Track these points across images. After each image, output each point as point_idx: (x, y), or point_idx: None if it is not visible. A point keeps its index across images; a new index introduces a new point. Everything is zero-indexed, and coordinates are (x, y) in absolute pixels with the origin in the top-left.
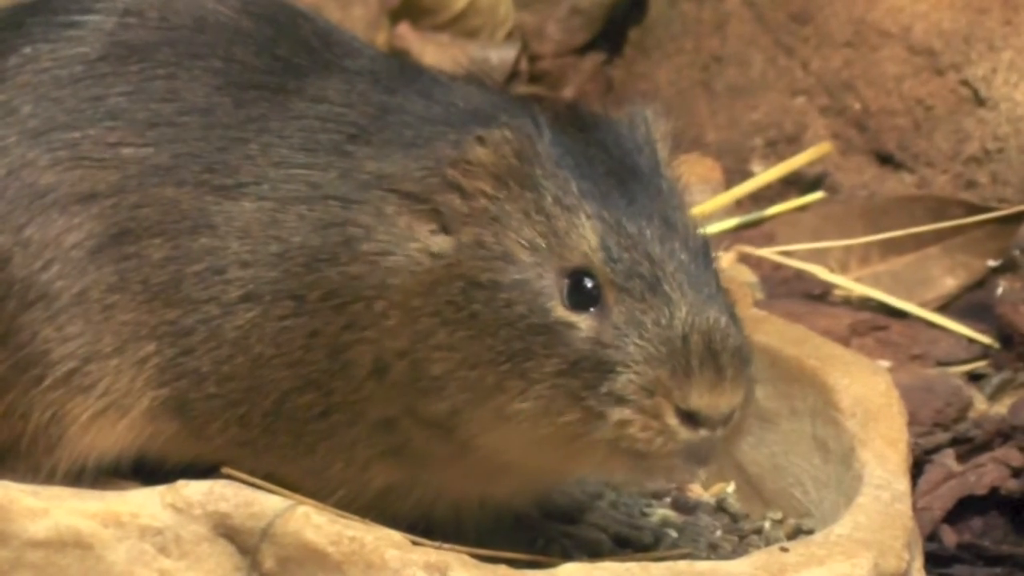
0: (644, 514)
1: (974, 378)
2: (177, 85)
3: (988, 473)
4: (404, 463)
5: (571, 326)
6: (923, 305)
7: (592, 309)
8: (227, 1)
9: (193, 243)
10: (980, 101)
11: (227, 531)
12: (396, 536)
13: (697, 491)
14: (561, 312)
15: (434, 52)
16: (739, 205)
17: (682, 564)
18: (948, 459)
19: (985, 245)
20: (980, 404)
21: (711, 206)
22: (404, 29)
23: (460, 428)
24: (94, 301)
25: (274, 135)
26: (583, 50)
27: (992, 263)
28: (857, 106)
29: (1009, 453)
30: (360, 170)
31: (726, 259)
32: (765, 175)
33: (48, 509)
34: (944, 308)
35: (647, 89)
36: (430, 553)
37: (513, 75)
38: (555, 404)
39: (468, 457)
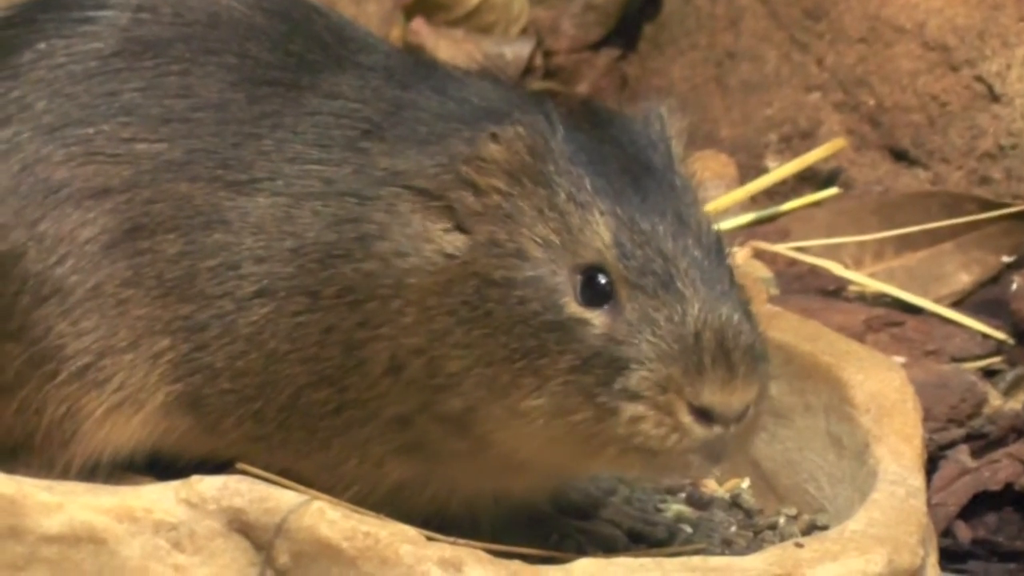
0: (658, 510)
1: (988, 374)
2: (191, 81)
3: (1003, 469)
4: (418, 459)
5: (584, 323)
6: (937, 301)
7: (605, 306)
8: None
9: (207, 239)
10: (994, 97)
11: (241, 526)
12: (411, 531)
13: (711, 487)
14: (574, 308)
15: (448, 48)
16: (753, 201)
17: (696, 560)
18: (962, 455)
19: (999, 241)
20: (994, 400)
21: (725, 202)
22: (418, 25)
23: (475, 425)
24: (108, 296)
25: (288, 131)
26: (597, 46)
27: (1006, 259)
28: (871, 102)
29: (1023, 449)
30: (374, 166)
31: (740, 255)
32: (779, 171)
33: (62, 504)
34: (958, 304)
35: (661, 85)
36: (445, 549)
37: (527, 71)
38: (568, 401)
39: (483, 454)
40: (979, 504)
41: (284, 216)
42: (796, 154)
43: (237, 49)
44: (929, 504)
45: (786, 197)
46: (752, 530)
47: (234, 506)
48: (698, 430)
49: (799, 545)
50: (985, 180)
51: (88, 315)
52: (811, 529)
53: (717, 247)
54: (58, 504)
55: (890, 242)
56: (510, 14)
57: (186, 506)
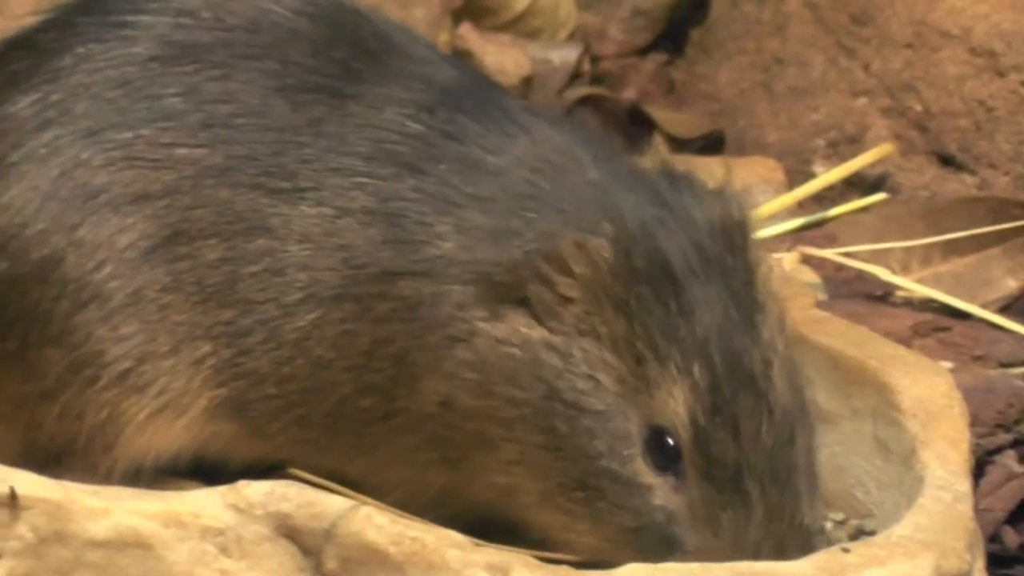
0: None
1: None
2: (231, 86)
3: None
4: (462, 471)
5: (648, 488)
6: (984, 306)
7: (671, 475)
8: (284, 1)
9: (249, 244)
10: None
11: (289, 531)
12: (457, 536)
13: None
14: (640, 467)
15: (495, 52)
16: (801, 206)
17: (743, 564)
18: (1010, 460)
19: None
20: None
21: (773, 207)
22: (466, 30)
23: (515, 503)
24: (148, 301)
25: (332, 140)
26: (645, 51)
27: None
28: (918, 107)
29: None
30: (438, 196)
31: (788, 260)
32: (827, 176)
33: (109, 509)
34: (1006, 309)
35: (708, 90)
36: (492, 554)
37: (574, 76)
38: (617, 549)
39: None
40: None
41: (331, 226)
42: (843, 159)
43: (279, 55)
44: (976, 509)
45: (833, 202)
46: None
47: (281, 511)
48: None
49: (846, 550)
50: None
51: (128, 321)
52: (858, 534)
53: (787, 418)
54: (105, 509)
55: (937, 247)
56: (557, 19)
57: (233, 511)
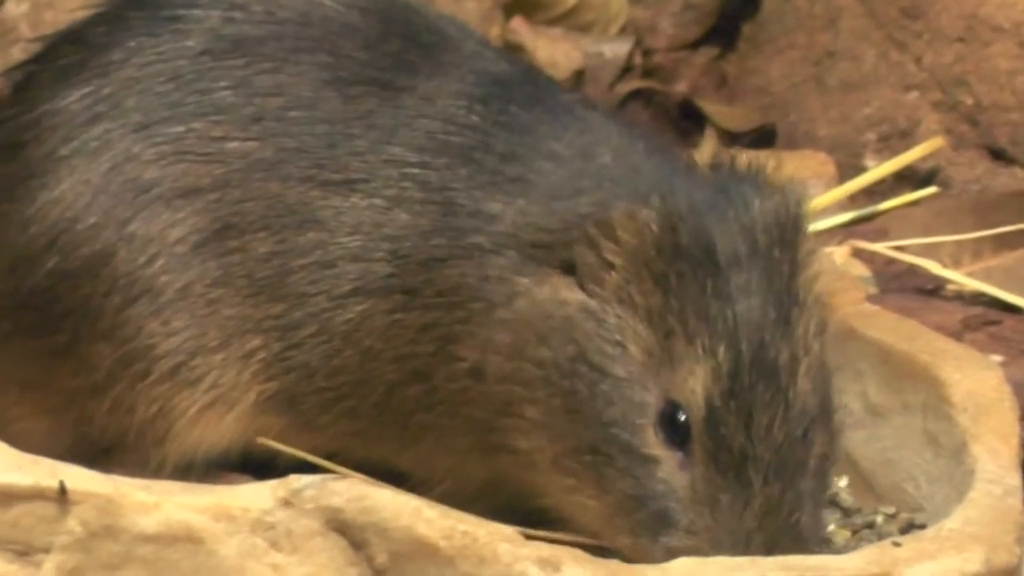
0: None
1: None
2: (282, 79)
3: None
4: (504, 461)
5: (655, 461)
6: None
7: (680, 452)
8: None
9: (299, 238)
10: None
11: (339, 525)
12: (508, 530)
13: None
14: (650, 438)
15: (547, 46)
16: (852, 200)
17: (793, 559)
18: None
19: None
20: None
21: (824, 201)
22: (517, 23)
23: (536, 465)
24: (198, 296)
25: (384, 132)
26: (696, 45)
27: None
28: (969, 101)
29: None
30: (491, 185)
31: (839, 254)
32: (878, 170)
33: (159, 503)
34: None
35: (760, 84)
36: (543, 548)
37: (626, 70)
38: (617, 520)
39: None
40: None
41: (382, 218)
42: (894, 153)
43: (330, 48)
44: None
45: (884, 196)
46: (850, 529)
47: (332, 505)
48: None
49: (896, 544)
50: None
51: (178, 315)
52: (909, 528)
53: (807, 418)
54: (155, 503)
55: (988, 241)
56: (609, 13)
57: (284, 505)
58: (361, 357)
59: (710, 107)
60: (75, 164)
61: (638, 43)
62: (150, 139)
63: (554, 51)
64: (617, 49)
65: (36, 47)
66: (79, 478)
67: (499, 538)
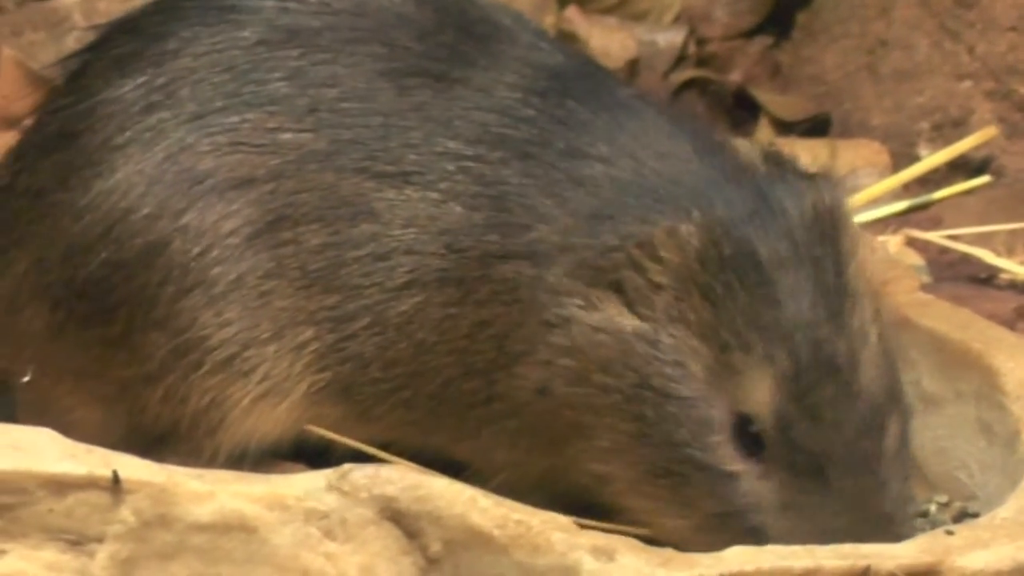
0: None
1: None
2: (337, 70)
3: None
4: (564, 456)
5: (733, 477)
6: None
7: (756, 462)
8: None
9: (353, 229)
10: None
11: (393, 514)
12: (562, 519)
13: None
14: (726, 454)
15: (601, 35)
16: (906, 189)
17: (847, 547)
18: None
19: None
20: None
21: (878, 190)
22: (572, 12)
23: (609, 491)
24: (251, 287)
25: (439, 124)
26: (750, 33)
27: None
28: (1022, 90)
29: None
30: (544, 180)
31: (893, 243)
32: (931, 159)
33: (213, 492)
34: None
35: (814, 73)
36: (597, 536)
37: (680, 59)
38: (707, 537)
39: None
40: None
41: (436, 211)
42: (948, 142)
43: (385, 39)
44: None
45: (938, 185)
46: None
47: (386, 494)
48: None
49: (950, 532)
50: None
51: (232, 306)
52: (962, 516)
53: (875, 408)
54: (209, 492)
55: None
56: (663, 2)
57: (337, 494)
58: (415, 349)
59: (764, 96)
60: (130, 154)
61: (692, 32)
62: (205, 129)
63: (608, 40)
64: (671, 38)
65: (89, 36)
66: (132, 467)
67: (553, 527)
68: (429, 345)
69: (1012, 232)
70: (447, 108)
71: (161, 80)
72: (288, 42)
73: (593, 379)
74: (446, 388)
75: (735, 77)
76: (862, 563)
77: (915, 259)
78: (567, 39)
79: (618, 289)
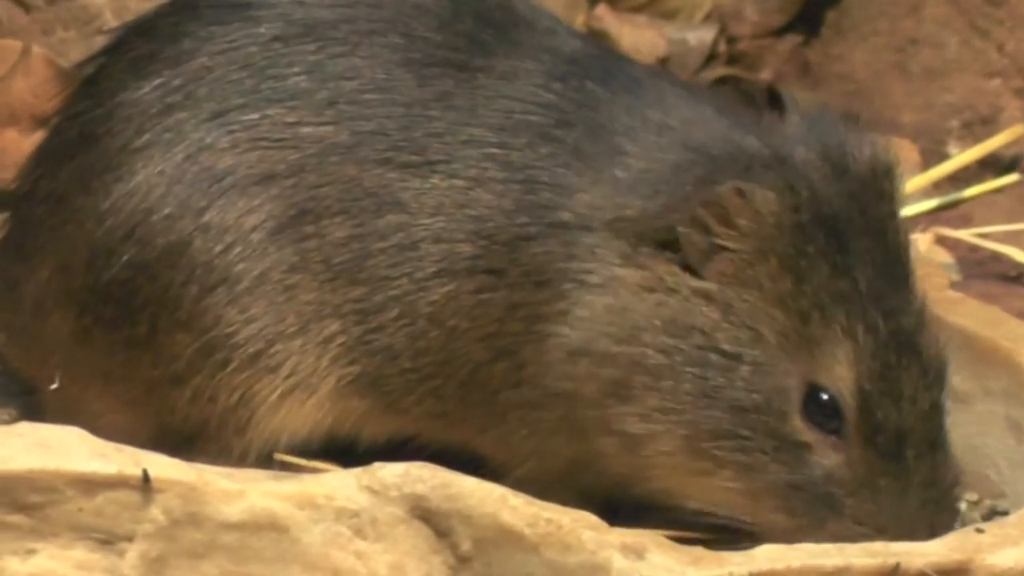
0: None
1: None
2: (355, 62)
3: None
4: (603, 441)
5: (807, 447)
6: None
7: (832, 436)
8: None
9: (378, 221)
10: None
11: (423, 513)
12: (592, 518)
13: None
14: (799, 425)
15: (631, 34)
16: (936, 187)
17: (878, 545)
18: None
19: None
20: None
21: (908, 188)
22: (602, 10)
23: (644, 452)
24: (275, 282)
25: (462, 112)
26: (780, 32)
27: None
28: None
29: None
30: (573, 159)
31: (923, 241)
32: (961, 157)
33: (243, 491)
34: None
35: (843, 71)
36: (627, 535)
37: (710, 57)
38: (767, 502)
39: (643, 476)
40: None
41: (464, 198)
42: (977, 140)
43: (403, 29)
44: None
45: (967, 183)
46: None
47: (416, 493)
48: None
49: (979, 530)
50: None
51: (256, 302)
52: (991, 514)
53: (939, 375)
54: (239, 491)
55: None
56: (693, 0)
57: (368, 493)
58: (447, 337)
59: (794, 94)
60: (149, 155)
61: (722, 30)
62: (224, 127)
63: (638, 38)
64: (701, 36)
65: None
66: (162, 466)
67: (583, 525)
68: (460, 332)
69: None
70: (470, 96)
71: (178, 81)
72: (305, 36)
73: (648, 339)
74: (476, 373)
75: (765, 75)
76: (892, 561)
77: (945, 257)
78: (598, 37)
79: (672, 249)
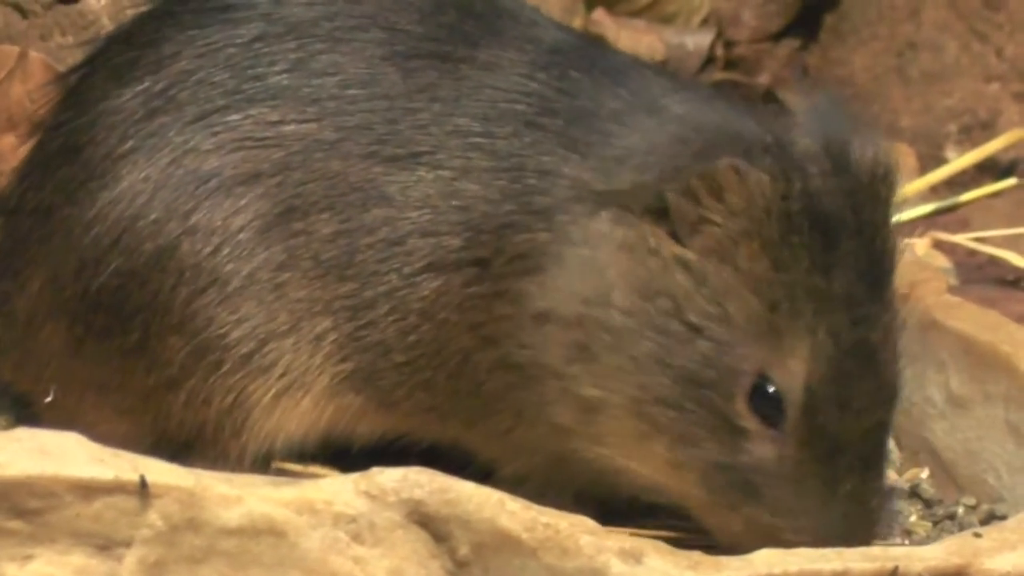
0: None
1: None
2: (337, 59)
3: None
4: (566, 415)
5: (744, 433)
6: None
7: (772, 429)
8: None
9: (365, 215)
10: None
11: (421, 518)
12: (590, 522)
13: (891, 476)
14: (742, 410)
15: (629, 38)
16: (934, 191)
17: (876, 549)
18: None
19: None
20: None
21: (906, 192)
22: (600, 15)
23: (599, 417)
24: (265, 281)
25: (446, 104)
26: (778, 36)
27: None
28: None
29: None
30: (558, 145)
31: (921, 245)
32: (959, 161)
33: (242, 496)
34: None
35: (842, 75)
36: (624, 539)
37: (708, 61)
38: (690, 476)
39: (598, 451)
40: None
41: (450, 188)
42: (975, 144)
43: (385, 23)
44: None
45: (965, 187)
46: (931, 520)
47: (414, 498)
48: None
49: (978, 535)
50: None
51: (247, 302)
52: (990, 519)
53: (892, 397)
54: (237, 497)
55: None
56: (691, 4)
57: (366, 498)
58: (437, 330)
59: (792, 98)
60: (134, 161)
61: (720, 35)
62: (207, 129)
63: (636, 43)
64: (699, 40)
65: None
66: (160, 471)
67: (581, 530)
68: (451, 324)
69: None
70: (454, 88)
71: (160, 85)
72: (286, 35)
73: (617, 300)
74: (464, 363)
75: (763, 79)
76: (890, 565)
77: (943, 261)
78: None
79: (659, 215)
